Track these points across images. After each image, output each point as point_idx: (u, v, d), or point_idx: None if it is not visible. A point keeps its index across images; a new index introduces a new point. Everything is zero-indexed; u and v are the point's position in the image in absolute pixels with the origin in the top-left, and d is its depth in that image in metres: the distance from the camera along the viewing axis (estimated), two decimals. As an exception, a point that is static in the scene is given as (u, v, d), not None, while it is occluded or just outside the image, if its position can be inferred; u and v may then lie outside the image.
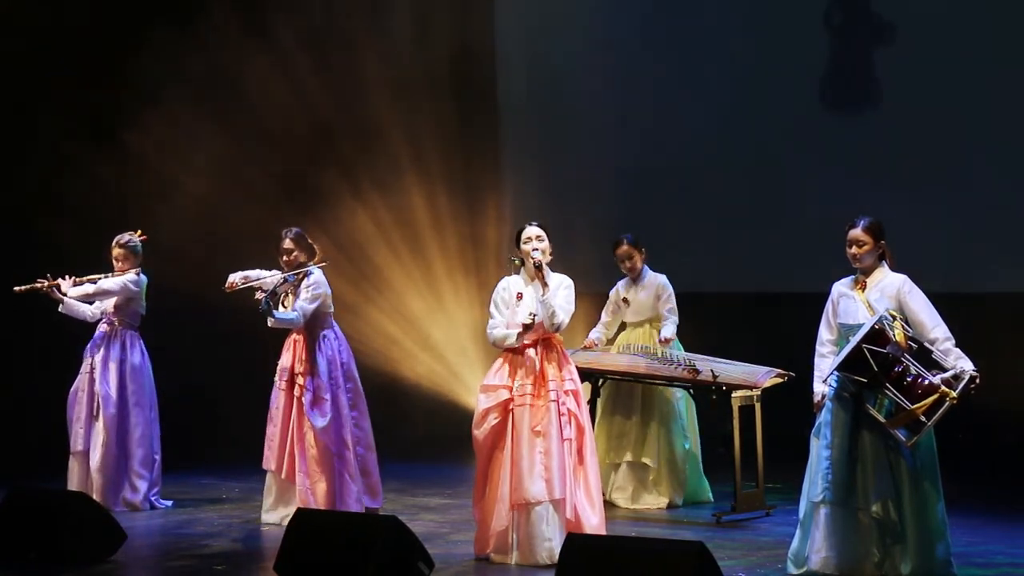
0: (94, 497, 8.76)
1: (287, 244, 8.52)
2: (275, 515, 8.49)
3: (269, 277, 8.51)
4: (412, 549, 6.65)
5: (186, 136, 11.43)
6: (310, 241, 8.62)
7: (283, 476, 8.43)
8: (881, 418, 6.69)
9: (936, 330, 6.77)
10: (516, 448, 7.24)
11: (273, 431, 8.50)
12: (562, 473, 7.19)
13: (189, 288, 10.32)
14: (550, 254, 7.44)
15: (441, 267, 12.28)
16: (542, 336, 7.37)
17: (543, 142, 12.44)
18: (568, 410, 7.28)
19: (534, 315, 7.30)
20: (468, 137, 12.52)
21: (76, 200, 11.00)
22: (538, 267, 7.32)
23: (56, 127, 11.22)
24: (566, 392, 7.31)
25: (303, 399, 8.41)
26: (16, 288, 8.95)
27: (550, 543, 7.17)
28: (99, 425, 8.96)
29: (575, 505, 7.21)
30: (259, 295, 8.30)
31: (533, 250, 7.36)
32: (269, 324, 8.39)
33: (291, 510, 8.29)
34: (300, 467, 8.38)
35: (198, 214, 11.37)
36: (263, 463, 8.53)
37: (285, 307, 8.48)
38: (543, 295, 7.28)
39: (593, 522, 7.21)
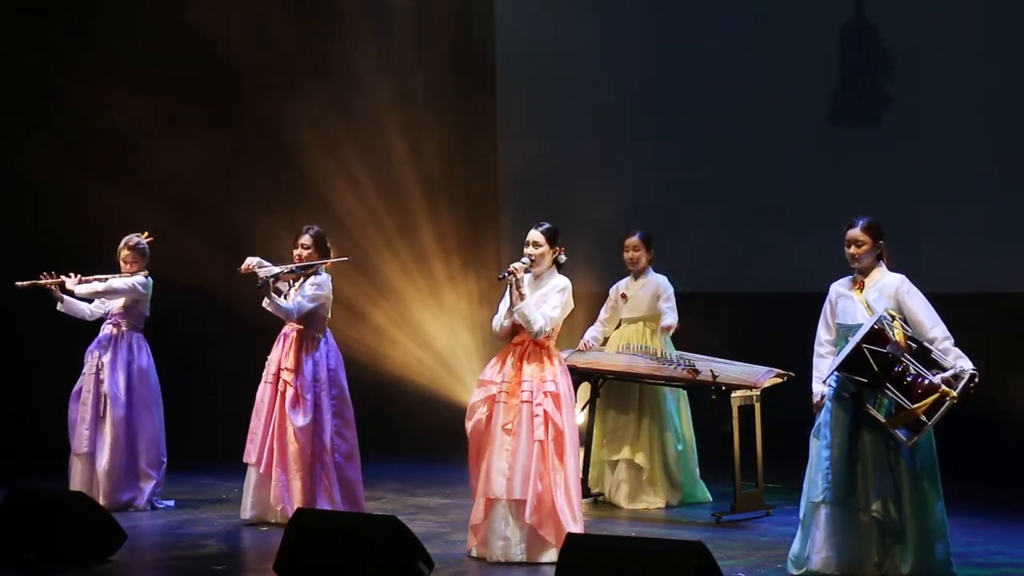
0: (101, 500, 8.76)
1: (305, 240, 8.52)
2: (252, 512, 8.48)
3: (278, 268, 8.51)
4: (412, 549, 6.65)
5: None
6: (328, 244, 8.63)
7: (261, 470, 8.44)
8: (881, 418, 6.69)
9: (935, 329, 6.77)
10: (490, 444, 7.31)
11: (256, 424, 8.52)
12: (525, 474, 7.19)
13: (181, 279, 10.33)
14: (559, 253, 7.44)
15: (440, 264, 12.28)
16: (527, 338, 7.39)
17: (544, 140, 12.41)
18: (544, 411, 7.26)
19: (503, 324, 7.40)
20: (467, 131, 12.51)
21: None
22: (502, 278, 7.35)
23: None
24: (545, 393, 7.30)
25: (286, 395, 8.43)
26: (18, 283, 8.94)
27: (504, 542, 7.21)
28: (107, 426, 8.94)
29: (544, 508, 7.20)
30: (262, 273, 8.32)
31: (527, 256, 7.39)
32: (263, 304, 8.39)
33: (267, 508, 8.37)
34: (278, 462, 8.39)
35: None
36: (244, 456, 8.54)
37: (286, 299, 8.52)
38: (516, 305, 7.31)
39: (571, 526, 7.16)
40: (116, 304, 9.08)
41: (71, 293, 9.02)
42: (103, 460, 8.91)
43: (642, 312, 9.32)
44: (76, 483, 8.90)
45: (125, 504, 8.91)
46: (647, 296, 9.30)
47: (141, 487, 9.01)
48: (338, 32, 12.17)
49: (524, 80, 12.58)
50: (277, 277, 8.44)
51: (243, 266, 8.42)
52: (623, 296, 9.37)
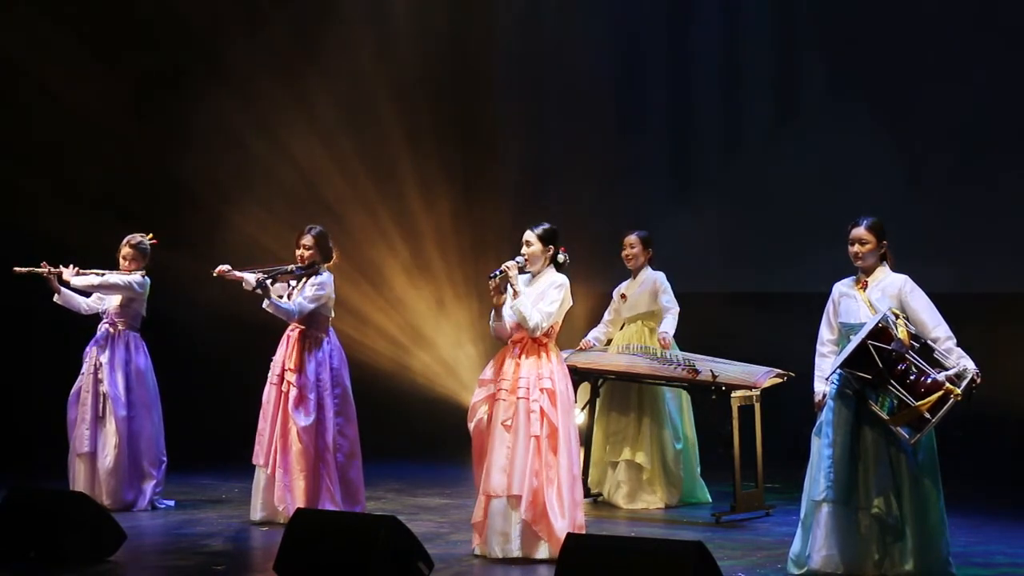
0: (105, 499, 8.78)
1: (306, 240, 8.54)
2: (261, 513, 8.49)
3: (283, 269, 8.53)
4: (412, 549, 6.65)
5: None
6: (330, 244, 8.64)
7: (269, 471, 8.45)
8: (884, 415, 6.68)
9: (937, 329, 6.77)
10: (491, 441, 7.34)
11: (263, 426, 8.53)
12: (522, 470, 7.22)
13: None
14: (559, 253, 7.46)
15: (440, 264, 12.27)
16: (526, 335, 7.40)
17: (546, 139, 12.43)
18: (540, 408, 7.29)
19: (492, 325, 7.45)
20: (468, 130, 12.51)
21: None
22: (492, 276, 7.38)
23: None
24: (541, 390, 7.32)
25: (289, 395, 8.44)
26: (16, 269, 8.93)
27: (503, 538, 7.25)
28: (109, 427, 8.93)
29: (537, 504, 7.21)
30: (260, 275, 8.34)
31: (521, 255, 7.43)
32: (264, 306, 8.40)
33: (275, 508, 8.38)
34: (281, 463, 8.40)
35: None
36: (253, 457, 8.55)
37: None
38: (512, 301, 7.34)
39: (560, 524, 7.18)
40: (113, 303, 9.07)
41: (68, 284, 9.02)
42: (107, 460, 8.90)
43: (641, 310, 9.33)
44: (79, 483, 8.90)
45: (129, 504, 8.91)
46: (644, 293, 9.31)
47: (143, 487, 9.02)
48: (335, 28, 12.16)
49: (524, 79, 12.59)
50: (274, 279, 8.45)
51: (216, 271, 8.48)
52: (623, 296, 9.39)
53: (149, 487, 9.02)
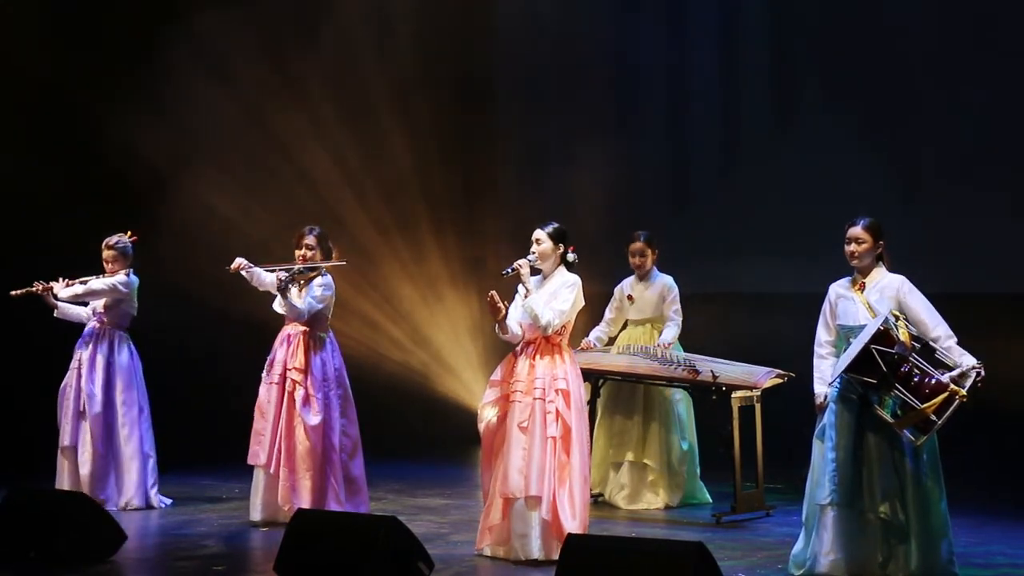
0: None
1: (309, 240, 8.55)
2: (262, 514, 8.47)
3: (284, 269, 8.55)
4: (412, 549, 6.65)
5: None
6: (330, 244, 8.65)
7: (271, 471, 8.43)
8: (889, 418, 6.67)
9: (937, 329, 6.77)
10: (506, 442, 7.32)
11: (264, 425, 8.48)
12: (540, 471, 7.22)
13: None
14: (568, 252, 7.47)
15: (440, 264, 12.27)
16: (539, 335, 7.40)
17: (546, 137, 12.42)
18: (556, 409, 7.29)
19: (504, 324, 7.40)
20: (467, 129, 12.50)
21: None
22: (505, 273, 7.37)
23: None
24: (556, 391, 7.32)
25: (295, 395, 8.42)
26: (12, 292, 8.97)
27: (524, 539, 7.24)
28: (85, 423, 8.96)
29: (555, 504, 7.21)
30: (281, 274, 8.36)
31: (531, 253, 7.42)
32: (274, 305, 8.43)
33: (277, 509, 8.37)
34: (286, 462, 8.38)
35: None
36: (249, 457, 8.50)
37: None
38: (524, 300, 7.36)
39: (571, 525, 7.17)
40: (100, 302, 9.09)
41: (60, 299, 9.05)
42: (83, 456, 8.93)
43: (648, 314, 9.31)
44: (62, 477, 8.96)
45: (107, 499, 8.89)
46: (653, 297, 9.29)
47: (125, 484, 9.00)
48: (333, 22, 12.16)
49: (524, 78, 12.59)
50: (292, 278, 8.46)
51: (232, 266, 8.47)
52: (629, 297, 9.36)
53: (134, 485, 9.01)
